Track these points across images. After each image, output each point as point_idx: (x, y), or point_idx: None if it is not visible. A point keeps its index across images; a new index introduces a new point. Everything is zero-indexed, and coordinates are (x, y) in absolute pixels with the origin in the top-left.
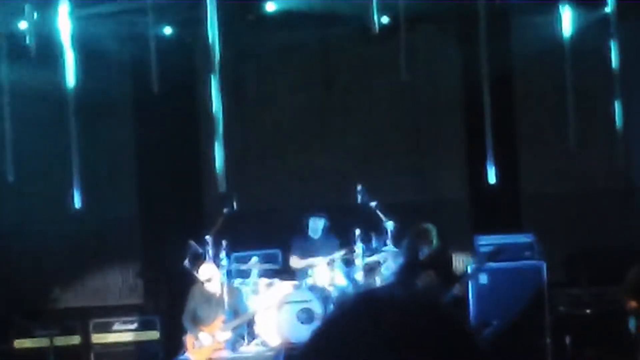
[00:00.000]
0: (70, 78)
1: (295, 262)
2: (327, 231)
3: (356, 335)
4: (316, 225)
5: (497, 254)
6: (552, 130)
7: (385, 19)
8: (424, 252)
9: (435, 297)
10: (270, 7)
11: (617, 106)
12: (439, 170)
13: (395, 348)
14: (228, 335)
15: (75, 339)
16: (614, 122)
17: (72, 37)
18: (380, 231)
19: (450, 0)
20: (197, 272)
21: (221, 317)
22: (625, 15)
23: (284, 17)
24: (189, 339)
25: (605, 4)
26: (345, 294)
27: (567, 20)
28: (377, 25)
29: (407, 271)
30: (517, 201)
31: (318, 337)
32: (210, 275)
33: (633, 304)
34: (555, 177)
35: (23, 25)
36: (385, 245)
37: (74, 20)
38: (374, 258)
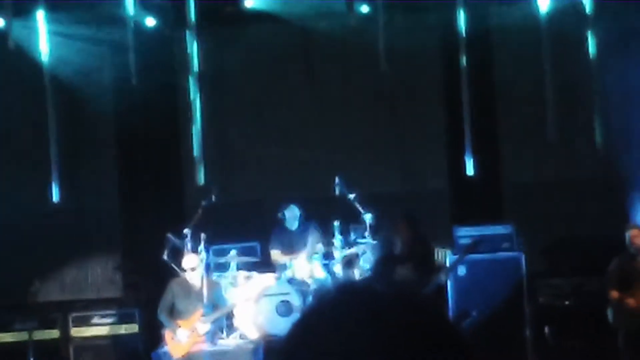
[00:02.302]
0: (49, 70)
1: (276, 255)
2: (305, 223)
3: (335, 328)
4: (292, 216)
5: (475, 245)
6: (532, 121)
7: (365, 9)
8: (399, 245)
9: (413, 290)
10: (248, 3)
11: (597, 96)
12: (418, 161)
13: (375, 340)
14: (207, 328)
15: (55, 333)
16: (594, 111)
17: (50, 30)
18: (359, 223)
19: None
20: (181, 262)
21: (200, 310)
22: (602, 4)
23: (263, 11)
24: (167, 333)
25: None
26: (324, 287)
27: (545, 11)
28: (356, 17)
29: (383, 265)
30: (497, 192)
31: (297, 329)
32: (195, 264)
33: (615, 294)
34: (536, 167)
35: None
36: (364, 237)
37: (53, 13)
38: (353, 250)
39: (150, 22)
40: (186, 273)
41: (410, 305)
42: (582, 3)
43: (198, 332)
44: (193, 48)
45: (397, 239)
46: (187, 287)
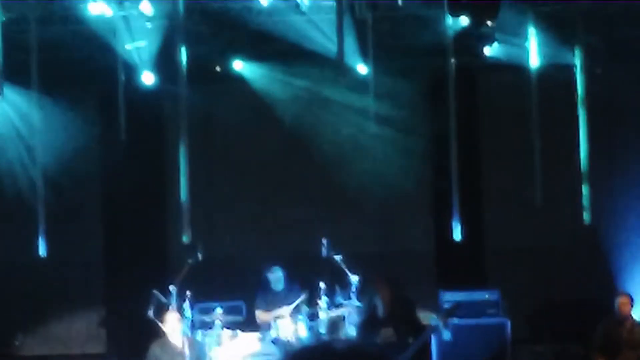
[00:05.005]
0: (38, 122)
1: (261, 315)
2: (288, 282)
3: None
4: (276, 278)
5: (456, 309)
6: (518, 186)
7: (362, 69)
8: (381, 307)
9: (390, 353)
10: (237, 66)
11: (583, 162)
12: (405, 224)
13: None
14: None
15: None
16: (579, 178)
17: (40, 80)
18: (345, 285)
19: (420, 55)
20: (161, 321)
21: None
22: (592, 72)
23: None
24: None
25: (572, 64)
26: (293, 347)
27: (534, 79)
28: (346, 78)
29: (366, 327)
30: (482, 257)
31: None
32: (176, 322)
33: (599, 358)
34: (521, 233)
35: None
36: (350, 299)
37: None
38: (338, 312)
39: (148, 78)
40: (167, 331)
41: None
42: (571, 69)
43: None
44: (182, 106)
45: (380, 301)
46: (169, 348)
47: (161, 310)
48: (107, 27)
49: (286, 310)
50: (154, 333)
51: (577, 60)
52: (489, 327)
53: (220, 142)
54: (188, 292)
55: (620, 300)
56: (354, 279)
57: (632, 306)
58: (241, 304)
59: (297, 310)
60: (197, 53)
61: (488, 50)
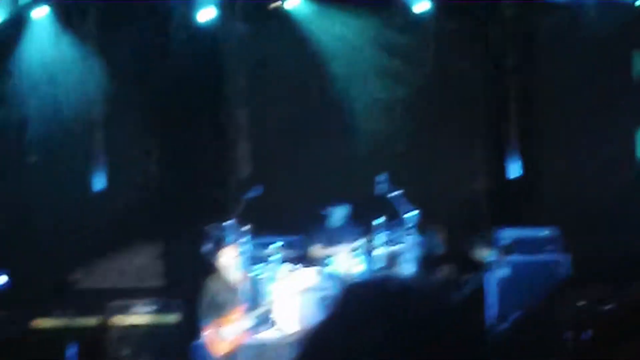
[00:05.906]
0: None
1: (316, 250)
2: (348, 220)
3: (362, 321)
4: (338, 214)
5: (514, 246)
6: (575, 127)
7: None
8: (440, 245)
9: (446, 291)
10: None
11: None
12: (462, 163)
13: (399, 336)
14: (249, 323)
15: (94, 321)
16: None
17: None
18: (402, 221)
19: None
20: (218, 256)
21: (241, 305)
22: None
23: None
24: (209, 332)
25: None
26: (349, 281)
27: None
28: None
29: (424, 264)
30: (540, 195)
31: (327, 322)
32: (233, 258)
33: None
34: (578, 170)
35: None
36: (407, 235)
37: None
38: (395, 248)
39: (205, 15)
40: (224, 266)
41: (414, 300)
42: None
43: (240, 328)
44: (241, 46)
45: (439, 239)
46: (226, 283)
47: (219, 245)
48: None
49: (344, 248)
50: (211, 268)
51: None
52: (546, 263)
53: (279, 77)
54: (246, 227)
55: None
56: (411, 215)
57: None
58: (299, 238)
59: (353, 248)
60: None
61: None
